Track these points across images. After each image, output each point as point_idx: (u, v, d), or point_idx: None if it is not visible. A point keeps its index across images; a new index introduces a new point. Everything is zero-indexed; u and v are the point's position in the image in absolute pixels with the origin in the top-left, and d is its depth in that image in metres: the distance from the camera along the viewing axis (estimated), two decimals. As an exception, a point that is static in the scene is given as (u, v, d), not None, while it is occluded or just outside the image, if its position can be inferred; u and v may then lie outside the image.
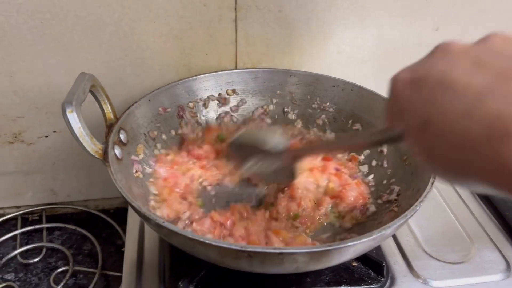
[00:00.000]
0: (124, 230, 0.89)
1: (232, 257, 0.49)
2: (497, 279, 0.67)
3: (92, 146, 0.58)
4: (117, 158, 0.63)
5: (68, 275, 0.82)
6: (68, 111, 0.55)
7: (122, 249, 0.76)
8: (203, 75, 0.81)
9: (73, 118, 0.56)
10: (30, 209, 0.95)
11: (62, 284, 0.81)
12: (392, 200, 0.67)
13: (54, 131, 0.85)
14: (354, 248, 0.50)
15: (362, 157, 0.77)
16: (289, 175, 0.68)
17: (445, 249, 0.71)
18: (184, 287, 0.61)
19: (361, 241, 0.49)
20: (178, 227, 0.54)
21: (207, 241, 0.48)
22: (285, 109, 0.84)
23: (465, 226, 0.76)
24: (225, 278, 0.63)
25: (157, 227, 0.52)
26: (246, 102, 0.84)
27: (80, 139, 0.57)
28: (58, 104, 0.81)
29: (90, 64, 0.78)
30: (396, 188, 0.69)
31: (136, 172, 0.68)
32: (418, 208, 0.54)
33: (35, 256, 0.87)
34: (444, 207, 0.80)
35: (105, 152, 0.60)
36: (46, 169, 0.91)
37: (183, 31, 0.79)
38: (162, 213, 0.65)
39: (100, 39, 0.76)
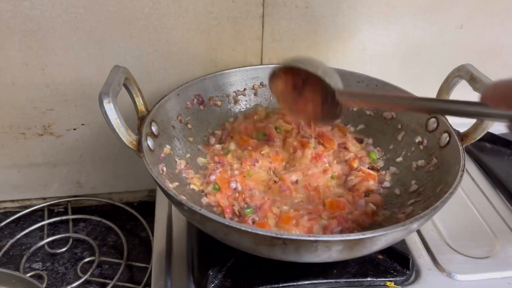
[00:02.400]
0: (148, 223, 0.91)
1: (267, 244, 0.50)
2: (522, 274, 0.68)
3: (127, 136, 0.59)
4: (150, 149, 0.64)
5: (94, 265, 0.84)
6: (105, 102, 0.56)
7: (151, 238, 0.78)
8: (229, 70, 0.82)
9: (110, 108, 0.57)
10: (56, 201, 0.97)
11: (88, 273, 0.82)
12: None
13: (82, 124, 0.87)
14: (385, 238, 0.51)
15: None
16: (334, 115, 0.68)
17: (469, 244, 0.72)
18: (214, 276, 0.63)
19: (392, 230, 0.50)
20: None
21: (242, 228, 0.49)
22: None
23: (489, 222, 0.76)
24: (253, 267, 0.64)
25: (191, 213, 0.53)
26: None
27: (116, 129, 0.58)
28: (87, 97, 0.84)
29: (120, 57, 0.79)
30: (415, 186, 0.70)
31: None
32: (448, 200, 0.55)
33: (62, 247, 0.89)
34: (467, 203, 0.80)
35: (139, 143, 0.61)
36: (72, 162, 0.93)
37: (211, 26, 0.80)
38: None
39: (131, 33, 0.78)
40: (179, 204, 0.55)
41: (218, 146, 0.78)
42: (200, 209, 0.52)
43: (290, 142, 0.77)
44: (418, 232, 0.74)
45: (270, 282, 0.62)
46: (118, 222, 0.94)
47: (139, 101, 0.68)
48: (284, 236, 0.49)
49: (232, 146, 0.77)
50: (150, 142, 0.65)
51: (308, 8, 0.81)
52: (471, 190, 0.84)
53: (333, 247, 0.50)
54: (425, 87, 0.75)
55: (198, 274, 0.64)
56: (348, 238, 0.49)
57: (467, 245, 0.72)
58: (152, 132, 0.67)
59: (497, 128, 0.94)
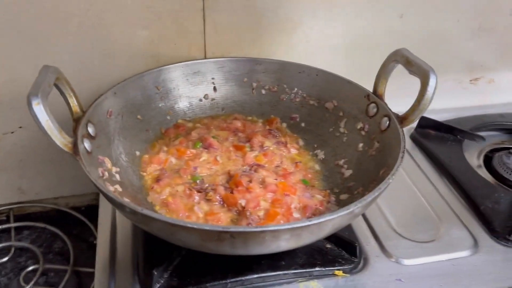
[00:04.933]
0: (96, 227, 0.88)
1: (215, 240, 0.50)
2: (465, 255, 0.70)
3: (61, 139, 0.57)
4: (87, 152, 0.62)
5: (38, 273, 0.81)
6: (34, 103, 0.54)
7: (95, 242, 0.75)
8: (169, 66, 0.80)
9: (40, 110, 0.54)
10: (-4, 209, 0.92)
11: (32, 283, 0.79)
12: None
13: (20, 127, 0.83)
14: (332, 222, 0.52)
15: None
16: None
17: (415, 229, 0.74)
18: (159, 276, 0.61)
19: (338, 215, 0.51)
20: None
21: (188, 225, 0.48)
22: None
23: (434, 206, 0.78)
24: (201, 264, 0.63)
25: (134, 214, 0.52)
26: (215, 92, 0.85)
27: (49, 132, 0.55)
28: (24, 99, 0.78)
29: (57, 56, 0.76)
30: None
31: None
32: (390, 180, 0.56)
33: (3, 256, 0.85)
34: (413, 189, 0.82)
35: (74, 145, 0.59)
36: (12, 167, 0.88)
37: (151, 21, 0.78)
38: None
39: (67, 30, 0.75)
40: (121, 206, 0.53)
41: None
42: (142, 209, 0.50)
43: (227, 147, 0.77)
44: (366, 220, 0.75)
45: (218, 278, 0.61)
46: (64, 227, 0.90)
47: (73, 102, 0.64)
48: (231, 230, 0.48)
49: (173, 160, 0.75)
50: (87, 144, 0.62)
51: (250, 1, 0.80)
52: (416, 176, 0.85)
53: (281, 236, 0.50)
54: (370, 76, 0.75)
55: (143, 274, 0.63)
56: (295, 225, 0.49)
57: (413, 230, 0.73)
58: (89, 134, 0.64)
59: (441, 115, 0.97)
